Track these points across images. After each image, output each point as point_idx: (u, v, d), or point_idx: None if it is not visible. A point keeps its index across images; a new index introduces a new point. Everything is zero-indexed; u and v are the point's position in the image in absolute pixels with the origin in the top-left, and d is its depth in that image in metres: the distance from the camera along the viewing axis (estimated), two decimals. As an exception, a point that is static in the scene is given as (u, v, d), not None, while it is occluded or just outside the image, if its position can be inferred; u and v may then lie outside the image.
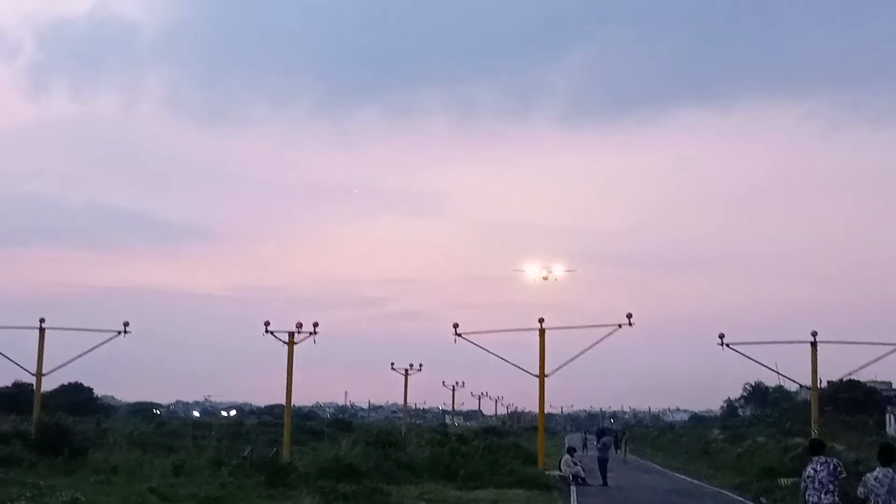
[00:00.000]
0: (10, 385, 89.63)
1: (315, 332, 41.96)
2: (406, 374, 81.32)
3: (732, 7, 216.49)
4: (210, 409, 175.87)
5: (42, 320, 47.95)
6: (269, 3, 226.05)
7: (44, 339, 48.53)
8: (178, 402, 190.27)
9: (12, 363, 49.77)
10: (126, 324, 47.36)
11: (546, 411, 53.91)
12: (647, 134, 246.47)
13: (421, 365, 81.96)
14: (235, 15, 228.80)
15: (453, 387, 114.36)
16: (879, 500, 15.09)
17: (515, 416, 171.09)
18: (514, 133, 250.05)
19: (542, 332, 49.82)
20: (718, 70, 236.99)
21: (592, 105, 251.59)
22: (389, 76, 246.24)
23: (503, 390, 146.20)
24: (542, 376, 50.13)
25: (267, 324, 41.49)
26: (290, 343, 42.07)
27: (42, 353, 48.88)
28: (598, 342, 48.25)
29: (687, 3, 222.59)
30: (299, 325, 42.03)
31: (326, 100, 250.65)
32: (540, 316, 49.43)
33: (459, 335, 48.81)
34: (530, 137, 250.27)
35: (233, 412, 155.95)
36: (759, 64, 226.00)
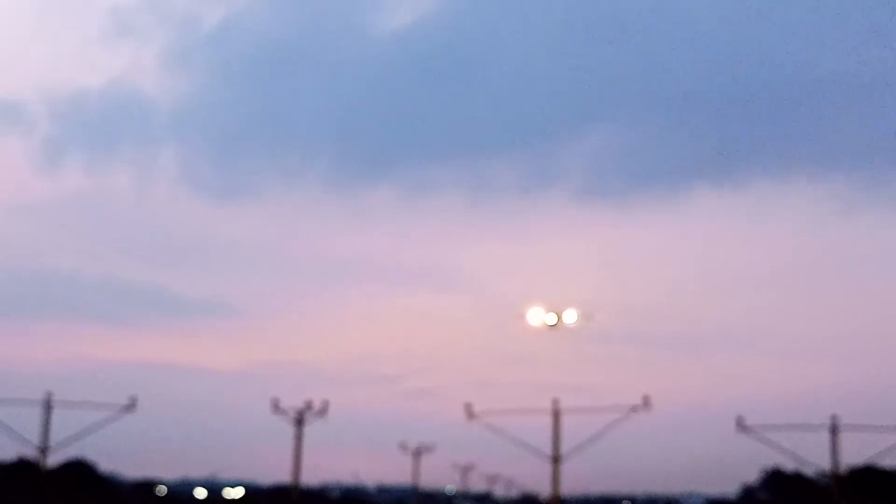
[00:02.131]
0: (14, 459, 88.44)
1: (325, 411, 41.12)
2: (418, 454, 79.93)
3: (748, 88, 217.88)
4: (216, 487, 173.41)
5: (49, 394, 47.32)
6: (284, 80, 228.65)
7: (50, 413, 47.79)
8: (183, 479, 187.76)
9: (16, 437, 48.99)
10: (133, 399, 46.67)
11: (560, 494, 52.58)
12: (663, 213, 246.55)
13: (432, 445, 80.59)
14: (250, 92, 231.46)
15: (464, 468, 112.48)
16: None
17: (528, 499, 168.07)
18: (529, 210, 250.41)
19: (556, 412, 48.76)
20: (734, 150, 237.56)
21: (608, 183, 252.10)
22: (404, 153, 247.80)
23: (516, 470, 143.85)
24: (556, 459, 48.92)
25: (276, 402, 40.71)
26: (299, 422, 41.19)
27: (48, 428, 48.09)
28: (613, 424, 47.18)
29: (702, 85, 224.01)
30: (308, 404, 41.25)
31: (341, 176, 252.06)
32: (555, 396, 48.45)
33: (472, 415, 47.85)
34: (546, 214, 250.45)
35: (239, 489, 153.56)
36: (775, 144, 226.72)
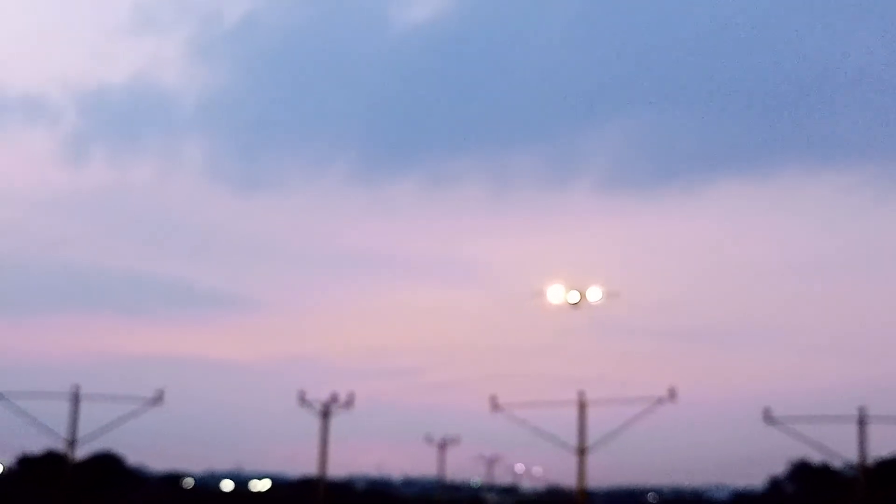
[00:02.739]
0: (42, 452, 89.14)
1: (351, 403, 41.21)
2: (443, 447, 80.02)
3: (774, 78, 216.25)
4: (242, 479, 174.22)
5: (76, 387, 47.63)
6: (307, 73, 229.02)
7: (78, 405, 48.12)
8: (210, 472, 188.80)
9: (44, 430, 49.37)
10: (160, 392, 46.93)
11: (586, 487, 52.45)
12: (688, 204, 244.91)
13: (458, 437, 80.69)
14: (273, 85, 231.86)
15: (490, 461, 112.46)
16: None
17: (554, 491, 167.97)
18: (552, 201, 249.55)
19: (581, 404, 48.61)
20: (760, 140, 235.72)
21: (632, 174, 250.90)
22: (427, 145, 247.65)
23: (541, 462, 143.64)
24: (581, 451, 48.78)
25: (302, 395, 40.83)
26: (325, 414, 41.28)
27: (76, 421, 48.43)
28: (639, 416, 47.02)
29: (727, 75, 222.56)
30: (334, 397, 41.35)
31: (364, 168, 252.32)
32: (581, 388, 48.30)
33: (497, 407, 47.80)
34: (569, 206, 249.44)
35: (266, 481, 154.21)
36: (802, 134, 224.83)
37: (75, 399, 48.18)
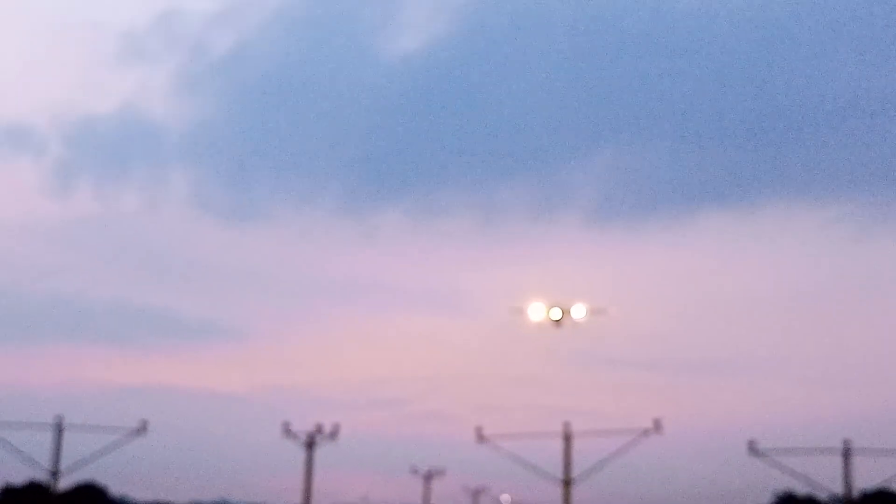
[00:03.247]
0: (25, 482, 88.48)
1: (335, 434, 41.13)
2: (427, 479, 79.74)
3: (758, 111, 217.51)
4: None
5: (59, 417, 47.39)
6: (294, 104, 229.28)
7: (61, 436, 47.86)
8: (194, 502, 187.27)
9: (27, 460, 49.08)
10: (144, 423, 46.74)
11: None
12: (673, 236, 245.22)
13: (443, 469, 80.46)
14: (260, 116, 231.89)
15: (475, 492, 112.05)
16: None
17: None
18: (538, 233, 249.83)
19: (567, 436, 48.61)
20: (744, 173, 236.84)
21: (617, 207, 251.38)
22: (414, 176, 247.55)
23: (527, 494, 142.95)
24: (567, 482, 48.72)
25: (287, 426, 40.73)
26: (309, 445, 41.19)
27: (59, 452, 48.14)
28: (625, 447, 47.03)
29: (712, 108, 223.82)
30: (319, 427, 41.25)
31: (351, 200, 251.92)
32: (567, 420, 48.29)
33: (483, 439, 47.74)
34: (555, 238, 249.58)
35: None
36: (786, 167, 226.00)
37: (58, 429, 47.95)
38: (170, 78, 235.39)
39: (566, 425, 48.15)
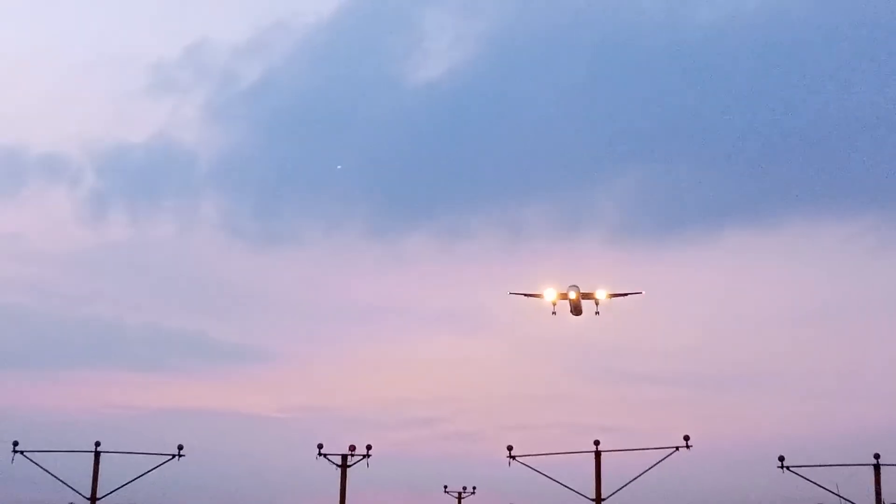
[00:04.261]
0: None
1: (368, 455, 41.74)
2: (459, 498, 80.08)
3: (779, 129, 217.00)
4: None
5: (97, 444, 48.20)
6: (322, 131, 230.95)
7: (99, 462, 48.68)
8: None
9: (66, 486, 49.84)
10: (180, 447, 47.49)
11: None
12: (697, 254, 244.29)
13: (475, 488, 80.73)
14: (288, 144, 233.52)
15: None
16: None
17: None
18: (563, 253, 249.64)
19: (597, 454, 48.97)
20: (766, 190, 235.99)
21: (641, 225, 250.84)
22: (439, 199, 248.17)
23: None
24: (598, 500, 49.08)
25: (320, 447, 41.37)
26: (343, 466, 41.84)
27: (97, 477, 48.96)
28: (655, 465, 47.36)
29: (732, 126, 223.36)
30: (352, 448, 41.86)
31: (377, 223, 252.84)
32: (595, 438, 48.66)
33: (513, 458, 48.19)
34: (579, 257, 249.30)
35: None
36: (806, 184, 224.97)
37: (96, 455, 48.81)
38: (199, 107, 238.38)
39: (596, 443, 48.48)
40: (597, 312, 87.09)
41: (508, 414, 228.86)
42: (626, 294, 75.43)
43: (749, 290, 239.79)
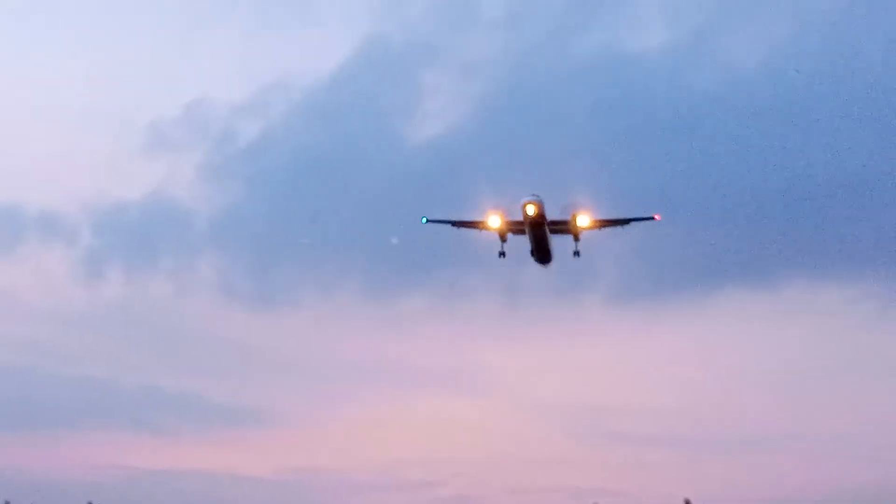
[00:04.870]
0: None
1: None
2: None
3: (778, 190, 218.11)
4: None
5: (90, 503, 47.86)
6: (320, 190, 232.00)
7: (92, 522, 48.26)
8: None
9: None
10: (174, 507, 46.93)
11: None
12: (696, 314, 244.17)
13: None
14: (286, 202, 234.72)
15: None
16: None
17: None
18: (560, 314, 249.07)
19: (596, 517, 48.40)
20: (765, 251, 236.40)
21: (638, 287, 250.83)
22: (436, 259, 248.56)
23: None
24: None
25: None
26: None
27: (90, 538, 48.48)
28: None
29: (731, 187, 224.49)
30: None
31: (375, 283, 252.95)
32: (594, 500, 48.24)
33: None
34: (577, 318, 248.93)
35: None
36: (807, 245, 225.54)
37: (91, 515, 48.39)
38: (197, 166, 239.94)
39: (594, 506, 47.96)
40: (576, 253, 66.34)
41: (507, 476, 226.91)
42: (622, 221, 55.88)
43: (748, 352, 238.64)
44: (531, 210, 55.35)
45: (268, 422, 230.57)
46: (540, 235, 48.03)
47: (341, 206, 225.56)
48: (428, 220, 77.49)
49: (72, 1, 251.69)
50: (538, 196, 55.93)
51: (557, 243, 60.17)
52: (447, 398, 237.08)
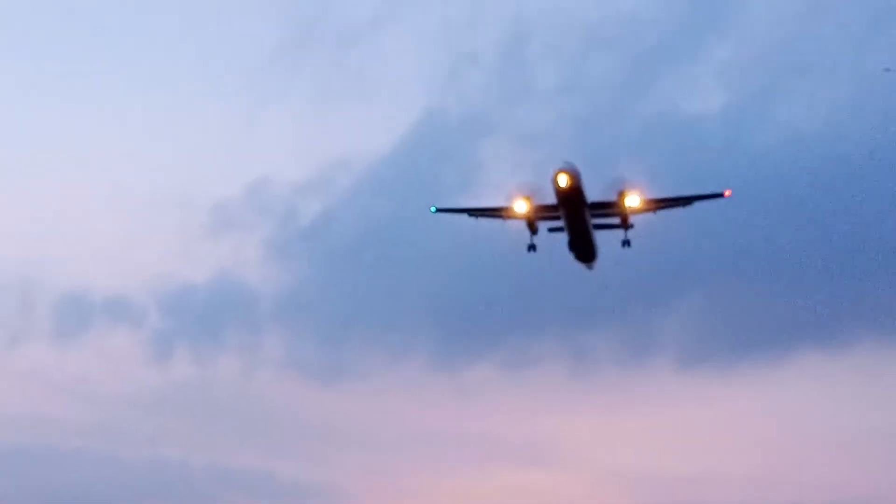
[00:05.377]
0: None
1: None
2: None
3: (850, 246, 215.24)
4: None
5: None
6: (383, 265, 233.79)
7: None
8: None
9: None
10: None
11: None
12: (767, 376, 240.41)
13: None
14: (350, 278, 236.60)
15: None
16: None
17: None
18: (629, 379, 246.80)
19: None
20: (837, 311, 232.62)
21: (711, 350, 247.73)
22: (503, 329, 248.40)
23: None
24: None
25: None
26: None
27: None
28: None
29: (801, 245, 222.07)
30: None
31: (442, 354, 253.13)
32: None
33: None
34: (647, 383, 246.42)
35: None
36: (881, 301, 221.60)
37: None
38: (261, 245, 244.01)
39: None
40: (625, 242, 55.71)
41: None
42: (684, 199, 45.57)
43: (823, 414, 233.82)
44: (563, 181, 46.51)
45: (339, 497, 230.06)
46: (578, 219, 39.02)
47: (405, 280, 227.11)
48: (438, 210, 69.88)
49: (136, 85, 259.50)
50: (572, 164, 47.91)
51: (603, 240, 51.41)
52: (519, 468, 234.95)
